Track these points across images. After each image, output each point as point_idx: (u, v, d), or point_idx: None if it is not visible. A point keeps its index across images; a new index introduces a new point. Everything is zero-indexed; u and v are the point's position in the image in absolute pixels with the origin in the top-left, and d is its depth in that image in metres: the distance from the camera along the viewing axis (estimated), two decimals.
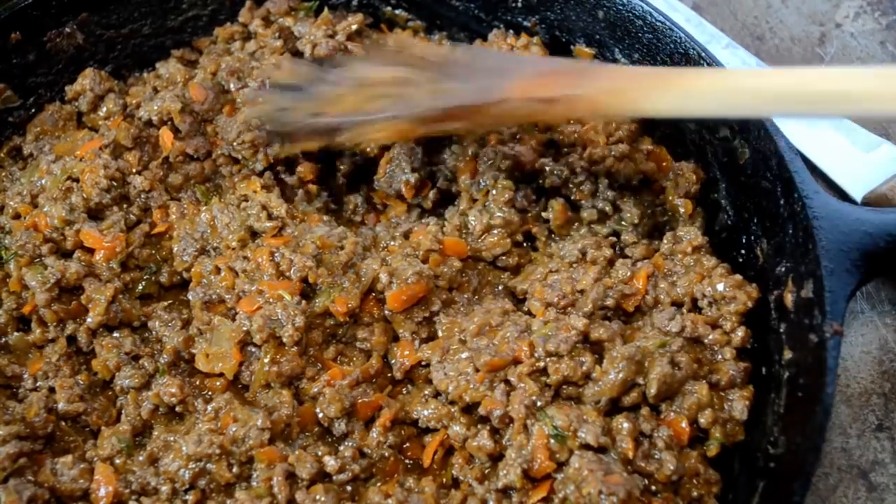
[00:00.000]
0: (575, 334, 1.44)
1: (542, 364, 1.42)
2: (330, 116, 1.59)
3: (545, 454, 1.35)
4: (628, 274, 1.58)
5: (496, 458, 1.41)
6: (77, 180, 1.62)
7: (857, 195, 1.89)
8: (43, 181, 1.65)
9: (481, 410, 1.42)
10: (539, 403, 1.39)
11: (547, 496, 1.35)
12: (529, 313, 1.56)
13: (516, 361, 1.44)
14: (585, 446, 1.35)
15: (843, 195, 1.90)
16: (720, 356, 1.50)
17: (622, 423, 1.38)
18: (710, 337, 1.50)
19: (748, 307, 1.52)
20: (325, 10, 1.91)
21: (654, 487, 1.38)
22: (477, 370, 1.44)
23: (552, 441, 1.35)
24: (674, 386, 1.42)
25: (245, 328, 1.48)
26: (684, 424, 1.41)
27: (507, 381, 1.43)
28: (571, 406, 1.41)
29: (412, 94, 1.54)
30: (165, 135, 1.72)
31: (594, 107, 1.45)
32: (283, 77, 1.71)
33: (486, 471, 1.42)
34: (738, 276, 1.54)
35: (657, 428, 1.40)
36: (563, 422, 1.36)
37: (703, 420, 1.42)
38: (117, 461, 1.43)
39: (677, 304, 1.56)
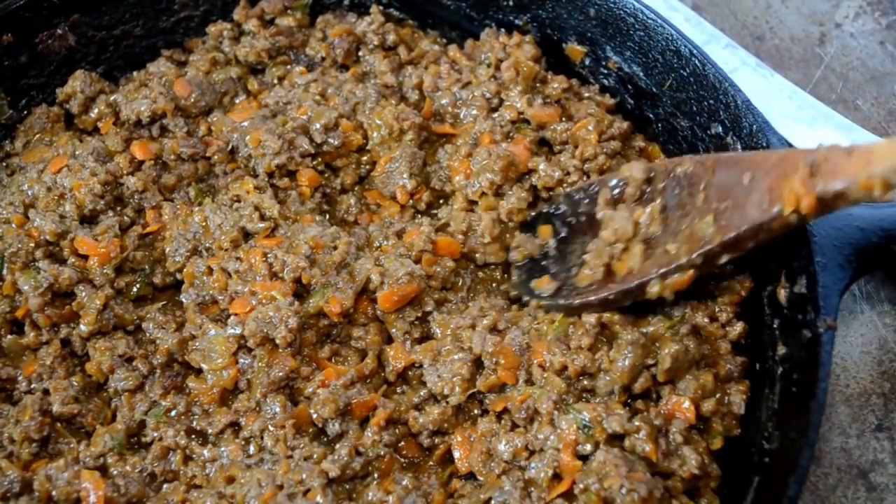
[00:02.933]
0: (590, 326, 1.46)
1: (556, 360, 1.42)
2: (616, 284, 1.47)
3: (571, 453, 1.35)
4: None
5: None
6: (70, 188, 1.61)
7: None
8: (34, 190, 1.63)
9: (498, 407, 1.44)
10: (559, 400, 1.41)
11: (569, 489, 1.35)
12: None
13: (530, 359, 1.45)
14: (612, 437, 1.36)
15: None
16: (718, 350, 1.50)
17: (639, 423, 1.37)
18: (708, 328, 1.51)
19: (742, 297, 1.53)
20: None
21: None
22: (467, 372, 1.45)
23: (581, 433, 1.35)
24: (683, 365, 1.43)
25: (238, 332, 1.47)
26: (687, 405, 1.41)
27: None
28: (590, 401, 1.43)
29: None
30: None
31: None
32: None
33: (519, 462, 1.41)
34: (731, 267, 1.54)
35: (669, 422, 1.40)
36: (590, 414, 1.36)
37: (707, 407, 1.42)
38: (109, 460, 1.43)
39: None
